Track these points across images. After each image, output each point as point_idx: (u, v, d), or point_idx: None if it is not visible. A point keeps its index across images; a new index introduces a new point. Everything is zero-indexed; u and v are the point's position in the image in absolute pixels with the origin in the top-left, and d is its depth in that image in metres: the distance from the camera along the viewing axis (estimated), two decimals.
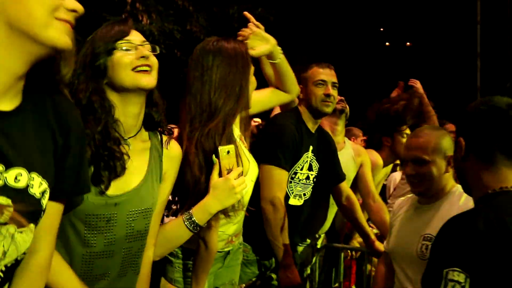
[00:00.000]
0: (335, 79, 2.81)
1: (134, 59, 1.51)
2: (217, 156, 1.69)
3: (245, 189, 1.78)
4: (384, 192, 4.48)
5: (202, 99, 1.83)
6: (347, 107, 3.34)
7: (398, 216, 2.42)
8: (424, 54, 12.07)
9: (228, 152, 1.70)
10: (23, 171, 1.05)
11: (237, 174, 1.71)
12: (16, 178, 1.04)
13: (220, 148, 1.69)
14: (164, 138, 1.67)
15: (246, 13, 2.34)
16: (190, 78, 1.88)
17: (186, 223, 1.69)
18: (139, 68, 1.50)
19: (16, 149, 1.05)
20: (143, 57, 1.51)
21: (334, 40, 11.63)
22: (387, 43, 15.85)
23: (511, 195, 1.44)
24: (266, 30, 2.31)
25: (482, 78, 7.68)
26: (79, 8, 1.06)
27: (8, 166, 1.03)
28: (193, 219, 1.69)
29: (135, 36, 1.56)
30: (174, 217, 1.84)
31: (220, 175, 1.70)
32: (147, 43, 1.57)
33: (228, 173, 1.70)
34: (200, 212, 1.70)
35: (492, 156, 1.50)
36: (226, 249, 2.08)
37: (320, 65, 2.83)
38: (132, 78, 1.50)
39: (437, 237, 1.44)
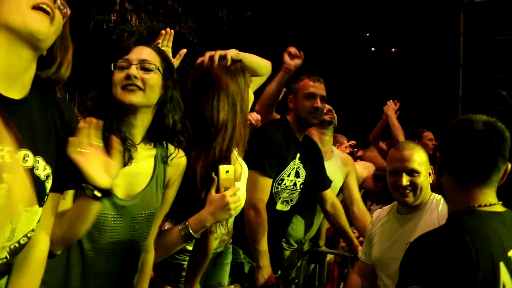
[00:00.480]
0: (324, 93, 2.94)
1: (123, 77, 1.59)
2: (217, 174, 1.77)
3: (239, 204, 1.85)
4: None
5: (205, 115, 1.88)
6: (335, 117, 3.45)
7: (378, 227, 2.52)
8: (408, 61, 12.26)
9: (227, 171, 1.77)
10: (29, 153, 1.18)
11: (233, 193, 1.78)
12: (24, 158, 1.17)
13: (220, 167, 1.76)
14: (171, 147, 1.74)
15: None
16: (192, 98, 1.92)
17: (181, 233, 1.77)
18: (126, 87, 1.58)
19: (22, 133, 1.17)
20: (128, 76, 1.58)
21: (321, 43, 11.75)
22: (373, 49, 15.99)
23: (477, 215, 1.48)
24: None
25: (464, 88, 7.89)
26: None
27: (18, 147, 1.15)
28: (188, 229, 1.77)
29: (136, 55, 1.62)
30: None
31: (217, 191, 1.77)
32: (147, 62, 1.62)
33: (225, 190, 1.77)
34: (196, 224, 1.77)
35: (462, 175, 1.54)
36: (219, 249, 2.17)
37: (311, 78, 2.95)
38: (119, 95, 1.58)
39: (405, 254, 1.50)
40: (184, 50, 2.27)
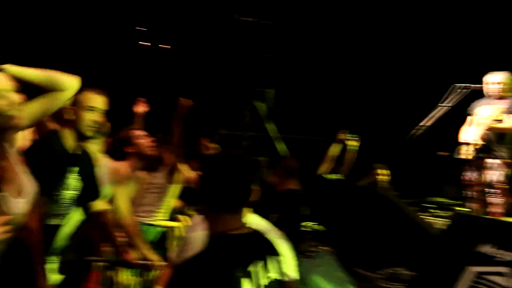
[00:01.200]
0: (105, 107, 3.00)
1: None
2: None
3: (6, 236, 1.83)
4: None
5: None
6: (107, 125, 3.53)
7: (195, 233, 2.48)
8: (182, 62, 12.64)
9: None
10: None
11: (2, 222, 1.75)
12: None
13: None
14: None
15: None
16: None
17: None
18: None
19: None
20: None
21: (101, 39, 11.34)
22: (146, 43, 15.91)
23: (228, 239, 1.65)
24: None
25: (228, 97, 8.72)
26: None
27: None
28: None
29: None
30: None
31: None
32: None
33: None
34: None
35: (214, 204, 1.69)
36: None
37: (94, 91, 2.98)
38: None
39: (171, 277, 1.61)
40: None
